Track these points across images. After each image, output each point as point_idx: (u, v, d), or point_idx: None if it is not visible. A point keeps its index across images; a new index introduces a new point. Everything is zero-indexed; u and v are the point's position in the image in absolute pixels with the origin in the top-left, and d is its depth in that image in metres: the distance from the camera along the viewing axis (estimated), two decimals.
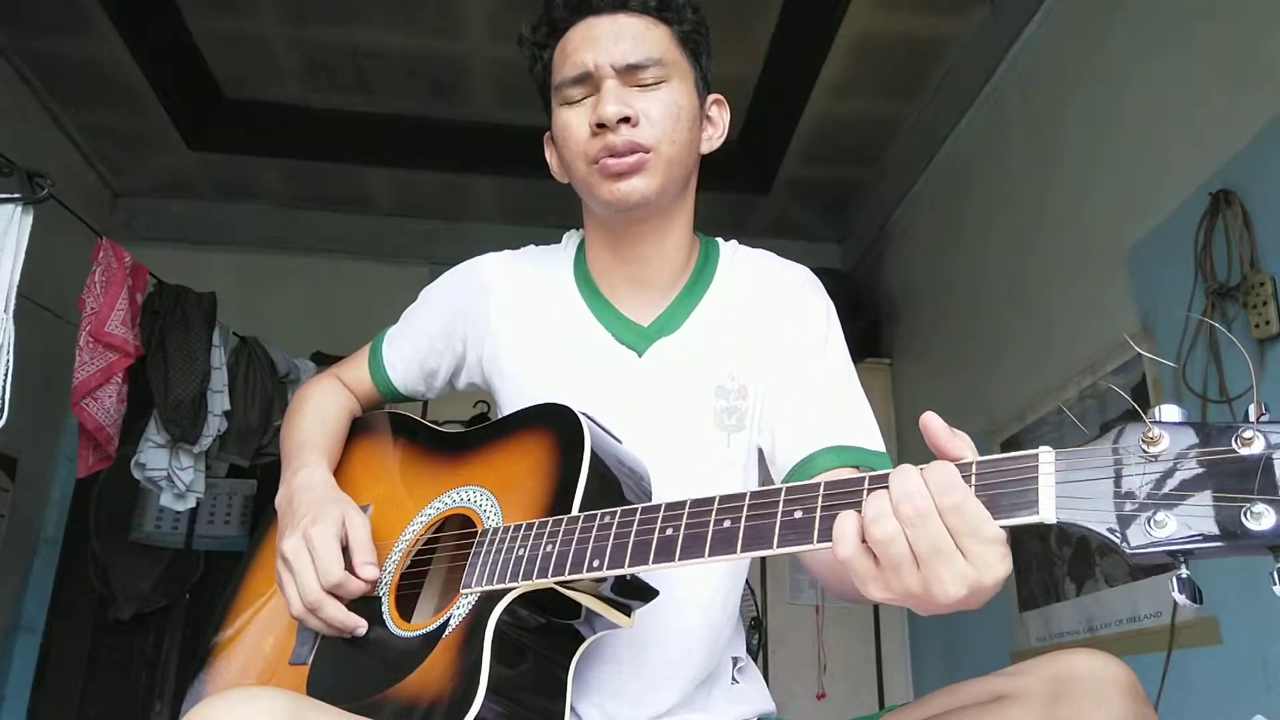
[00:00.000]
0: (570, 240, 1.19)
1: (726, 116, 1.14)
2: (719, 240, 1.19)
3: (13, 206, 2.11)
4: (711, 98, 1.12)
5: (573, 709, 0.95)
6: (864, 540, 0.65)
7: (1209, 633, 1.91)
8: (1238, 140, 1.94)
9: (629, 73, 1.02)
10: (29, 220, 2.12)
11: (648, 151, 1.01)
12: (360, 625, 0.90)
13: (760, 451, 1.09)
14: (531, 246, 1.20)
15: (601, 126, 1.00)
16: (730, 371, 1.07)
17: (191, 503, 2.98)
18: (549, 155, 1.15)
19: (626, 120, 1.00)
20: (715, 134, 1.13)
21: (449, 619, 0.84)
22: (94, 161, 3.80)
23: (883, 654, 3.50)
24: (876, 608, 3.51)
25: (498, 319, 1.13)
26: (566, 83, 1.04)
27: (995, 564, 0.62)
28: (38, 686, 3.43)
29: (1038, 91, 2.79)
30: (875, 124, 3.56)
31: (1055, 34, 2.71)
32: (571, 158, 1.05)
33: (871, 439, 1.04)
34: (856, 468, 1.00)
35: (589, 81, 1.03)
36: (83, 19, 3.05)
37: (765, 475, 1.10)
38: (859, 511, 0.65)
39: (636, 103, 1.01)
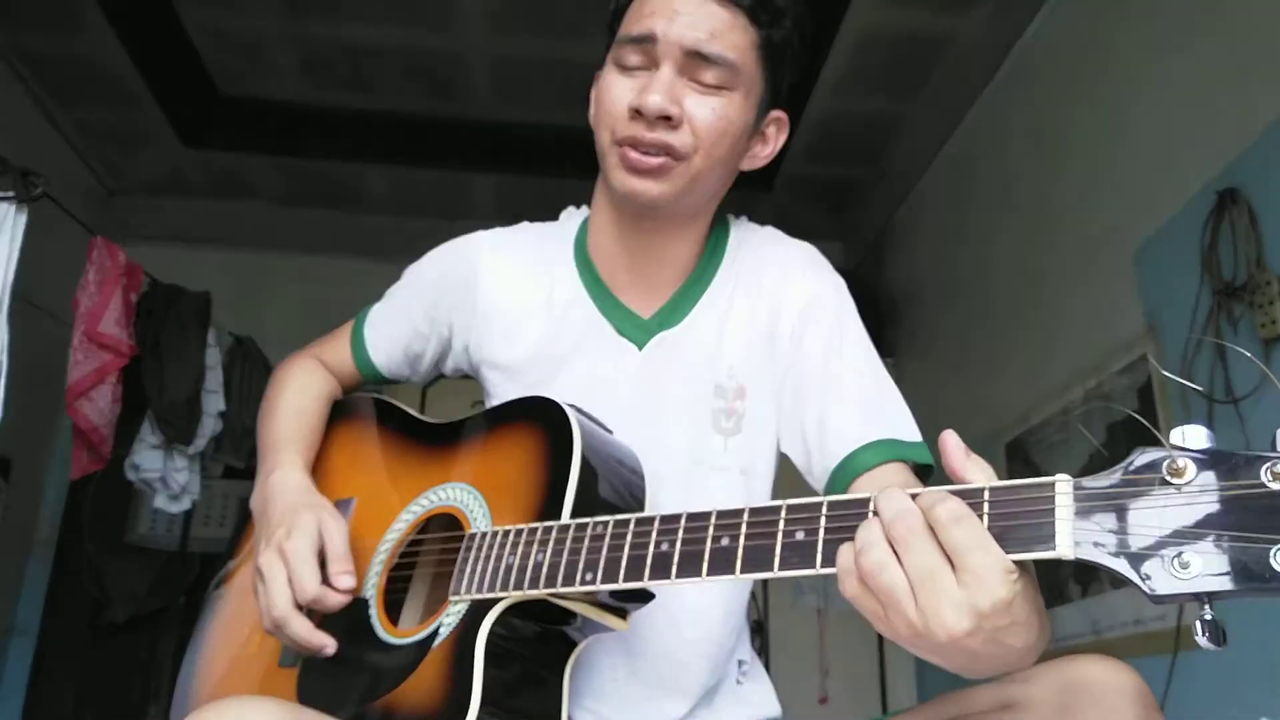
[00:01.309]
0: (571, 218, 1.13)
1: (782, 138, 1.05)
2: (729, 218, 1.12)
3: (6, 205, 2.10)
4: (774, 115, 1.03)
5: (570, 716, 0.93)
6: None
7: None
8: (1244, 139, 1.92)
9: (693, 61, 0.93)
10: (23, 219, 2.11)
11: (677, 159, 0.94)
12: (328, 645, 0.86)
13: (778, 462, 1.04)
14: (526, 224, 1.14)
15: (639, 113, 0.92)
16: (729, 370, 1.01)
17: (186, 505, 2.97)
18: (593, 98, 1.05)
19: (667, 119, 0.92)
20: (763, 153, 1.04)
21: (439, 627, 0.82)
22: (88, 159, 3.78)
23: (886, 658, 3.48)
24: None
25: (487, 303, 1.06)
26: (628, 40, 0.95)
27: (995, 585, 0.57)
28: (32, 689, 3.41)
29: (1041, 89, 2.78)
30: (878, 121, 3.54)
31: (1059, 31, 2.69)
32: (599, 124, 0.98)
33: (907, 428, 0.96)
34: (904, 463, 0.93)
35: (649, 50, 0.93)
36: (77, 16, 3.03)
37: (777, 485, 1.02)
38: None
39: (686, 102, 0.93)
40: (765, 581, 3.44)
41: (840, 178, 3.92)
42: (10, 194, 2.12)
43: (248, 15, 3.08)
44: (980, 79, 3.06)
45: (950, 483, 0.63)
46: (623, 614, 0.85)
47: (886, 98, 3.40)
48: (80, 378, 2.56)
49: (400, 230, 4.11)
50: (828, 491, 0.95)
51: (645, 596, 0.84)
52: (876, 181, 3.88)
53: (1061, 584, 2.50)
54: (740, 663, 1.04)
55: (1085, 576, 2.43)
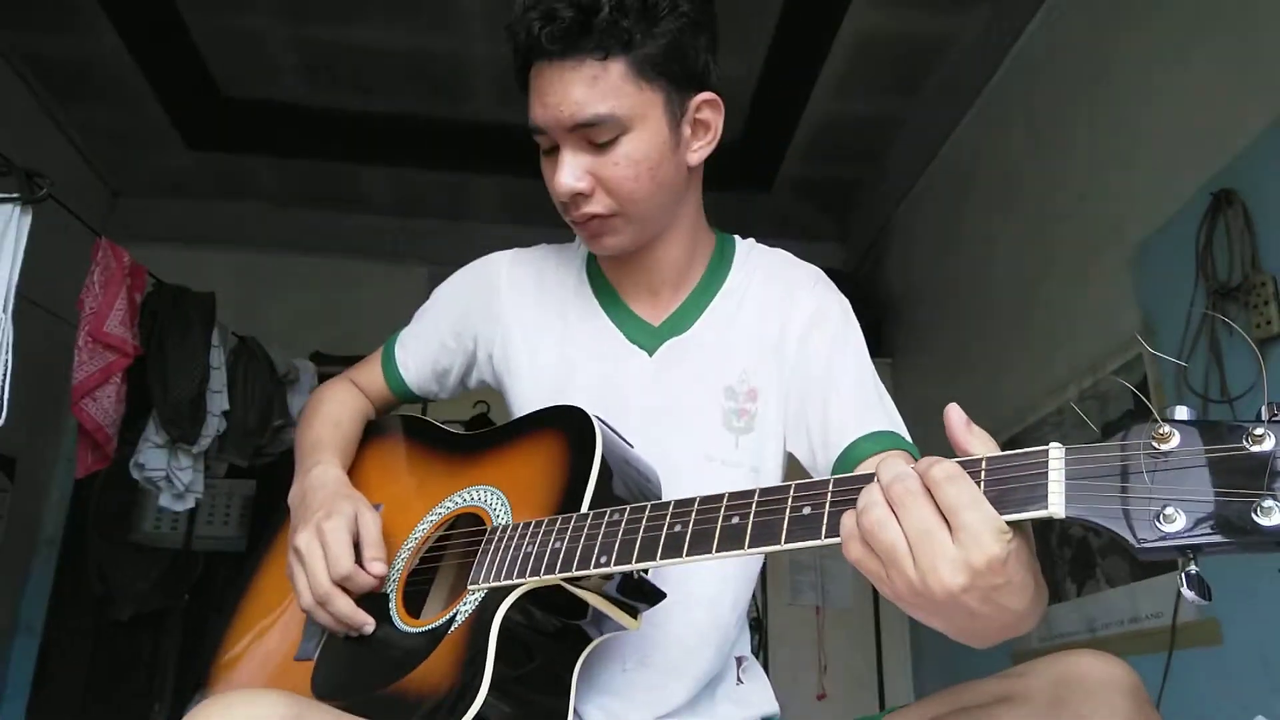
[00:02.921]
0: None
1: (720, 118, 1.05)
2: (736, 238, 1.17)
3: (11, 206, 2.10)
4: (701, 99, 1.01)
5: (575, 710, 0.94)
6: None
7: (1210, 633, 1.91)
8: (1239, 140, 1.94)
9: (580, 131, 0.96)
10: (28, 220, 2.11)
11: (608, 217, 1.00)
12: (368, 623, 0.90)
13: (785, 461, 1.08)
14: (543, 245, 1.21)
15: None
16: (741, 373, 1.07)
17: (190, 503, 2.98)
18: None
19: (581, 194, 0.98)
20: (707, 139, 1.04)
21: (455, 615, 0.85)
22: (92, 161, 3.80)
23: (883, 655, 3.50)
24: (877, 608, 3.51)
25: (508, 315, 1.13)
26: (532, 128, 1.00)
27: (989, 542, 0.59)
28: (37, 687, 3.42)
29: (1039, 90, 2.79)
30: (877, 123, 3.55)
31: (1057, 33, 2.71)
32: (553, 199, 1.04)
33: (903, 429, 1.03)
34: (902, 450, 0.99)
35: (546, 136, 0.99)
36: (81, 17, 3.04)
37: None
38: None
39: (592, 167, 0.97)
40: (765, 580, 3.46)
41: (839, 178, 3.93)
42: (15, 195, 2.12)
43: (250, 17, 3.09)
44: (979, 80, 3.07)
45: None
46: (634, 612, 0.87)
47: (886, 99, 3.41)
48: (85, 378, 2.57)
49: (402, 231, 4.13)
50: None
51: (656, 596, 0.87)
52: (875, 182, 3.89)
53: (1058, 582, 2.52)
54: (740, 660, 1.08)
55: (1081, 575, 2.44)
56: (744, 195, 3.86)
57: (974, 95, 3.12)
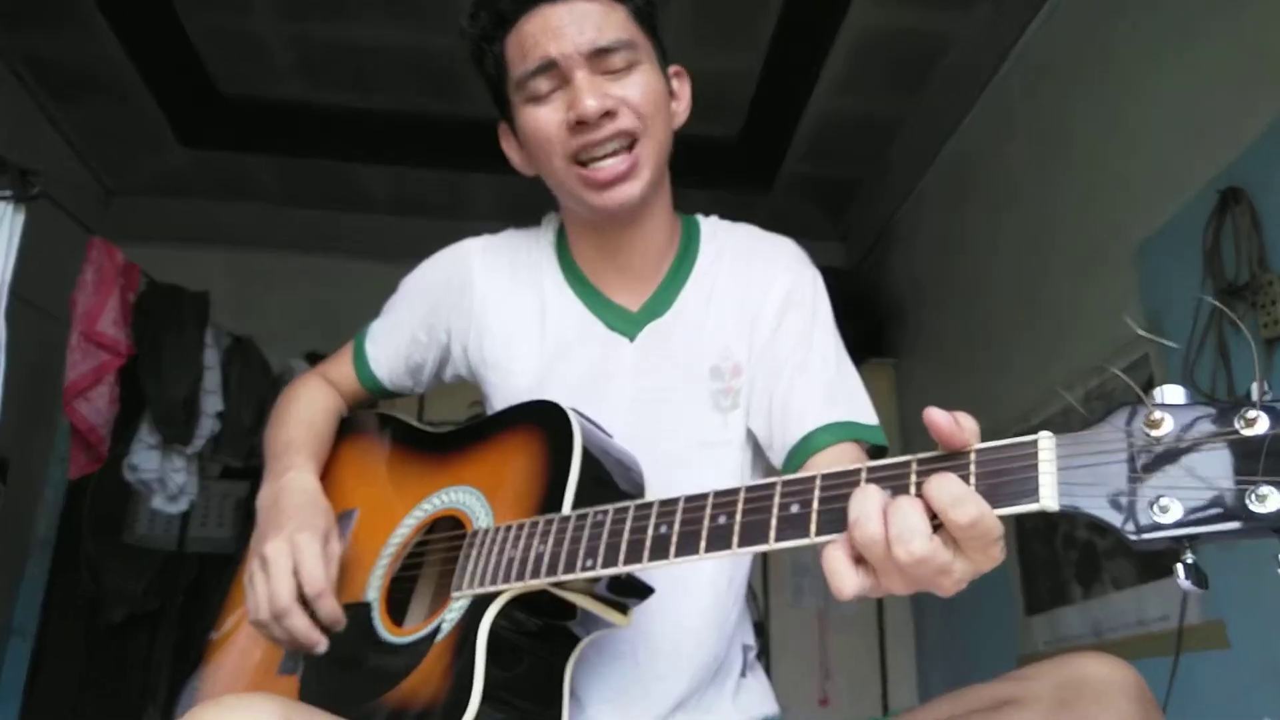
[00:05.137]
0: (549, 223, 1.17)
1: (688, 89, 1.10)
2: (698, 217, 1.16)
3: (5, 204, 2.09)
4: (671, 70, 1.08)
5: (582, 710, 0.93)
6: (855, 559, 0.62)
7: (1217, 637, 1.89)
8: (1246, 137, 1.92)
9: (598, 58, 0.97)
10: (21, 218, 2.10)
11: (636, 140, 0.98)
12: (321, 643, 0.87)
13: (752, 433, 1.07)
14: (510, 230, 1.18)
15: (581, 123, 0.96)
16: (723, 352, 1.06)
17: (184, 505, 2.96)
18: (508, 148, 1.10)
19: (608, 114, 0.96)
20: (681, 107, 1.09)
21: (441, 624, 0.83)
22: (87, 159, 3.78)
23: (887, 659, 3.48)
24: (881, 611, 3.49)
25: (482, 309, 1.10)
26: (529, 76, 0.98)
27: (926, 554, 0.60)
28: (30, 689, 3.40)
29: (1042, 88, 2.77)
30: (878, 121, 3.54)
31: (1060, 29, 2.69)
32: (547, 157, 1.01)
33: (865, 412, 1.02)
34: (856, 442, 0.99)
35: (555, 73, 0.97)
36: (76, 15, 3.03)
37: (762, 454, 1.07)
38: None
39: (613, 90, 0.97)
40: (766, 583, 3.44)
41: (841, 177, 3.92)
42: (9, 193, 2.11)
43: (247, 14, 3.08)
44: (981, 78, 3.06)
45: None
46: (624, 609, 0.86)
47: (887, 97, 3.40)
48: (78, 377, 2.56)
49: (400, 230, 4.11)
50: (785, 466, 1.02)
51: (645, 592, 0.86)
52: (877, 181, 3.87)
53: (1064, 585, 2.50)
54: (746, 648, 1.07)
55: (1087, 578, 2.42)
56: (744, 195, 3.84)
57: (976, 93, 3.10)
